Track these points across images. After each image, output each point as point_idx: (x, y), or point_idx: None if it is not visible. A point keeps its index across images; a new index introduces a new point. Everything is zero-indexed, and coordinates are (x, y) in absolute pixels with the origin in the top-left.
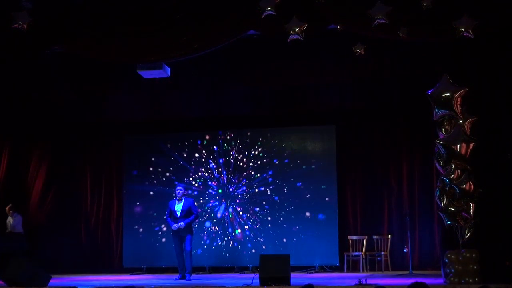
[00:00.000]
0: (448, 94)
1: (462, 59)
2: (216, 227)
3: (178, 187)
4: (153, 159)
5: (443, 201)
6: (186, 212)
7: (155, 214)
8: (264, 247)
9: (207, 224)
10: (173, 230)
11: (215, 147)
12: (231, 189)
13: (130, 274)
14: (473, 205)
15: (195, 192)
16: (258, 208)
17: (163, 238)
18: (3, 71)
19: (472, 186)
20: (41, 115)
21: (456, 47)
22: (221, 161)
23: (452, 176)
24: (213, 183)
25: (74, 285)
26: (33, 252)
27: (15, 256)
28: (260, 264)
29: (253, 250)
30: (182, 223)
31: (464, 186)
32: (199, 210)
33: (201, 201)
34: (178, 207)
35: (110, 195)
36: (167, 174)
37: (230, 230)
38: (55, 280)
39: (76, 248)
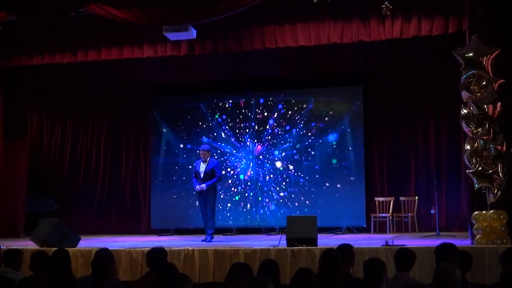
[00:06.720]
0: (478, 54)
1: (490, 19)
2: (242, 189)
3: (203, 148)
4: (179, 122)
5: (473, 162)
6: (209, 173)
7: (181, 176)
8: (291, 208)
9: (234, 185)
10: (197, 191)
11: (241, 109)
12: (257, 151)
13: (158, 235)
14: (502, 166)
15: (222, 154)
16: (285, 170)
17: (190, 199)
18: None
19: (505, 147)
20: (64, 78)
21: (485, 7)
22: (247, 123)
23: (487, 137)
24: (240, 144)
25: (103, 246)
26: (62, 213)
27: (45, 217)
28: (287, 225)
29: (280, 211)
30: (204, 185)
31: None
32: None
33: (228, 163)
34: (203, 168)
35: (137, 157)
36: (194, 136)
37: (256, 191)
38: (84, 242)
39: (104, 209)
